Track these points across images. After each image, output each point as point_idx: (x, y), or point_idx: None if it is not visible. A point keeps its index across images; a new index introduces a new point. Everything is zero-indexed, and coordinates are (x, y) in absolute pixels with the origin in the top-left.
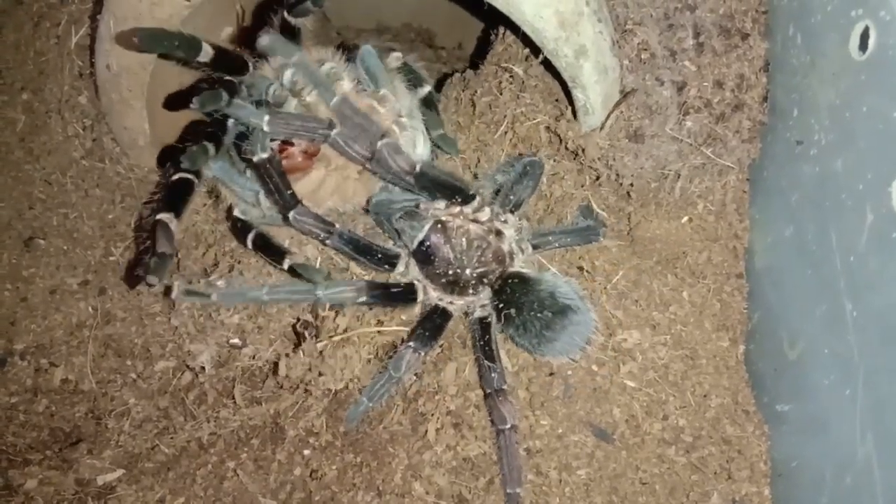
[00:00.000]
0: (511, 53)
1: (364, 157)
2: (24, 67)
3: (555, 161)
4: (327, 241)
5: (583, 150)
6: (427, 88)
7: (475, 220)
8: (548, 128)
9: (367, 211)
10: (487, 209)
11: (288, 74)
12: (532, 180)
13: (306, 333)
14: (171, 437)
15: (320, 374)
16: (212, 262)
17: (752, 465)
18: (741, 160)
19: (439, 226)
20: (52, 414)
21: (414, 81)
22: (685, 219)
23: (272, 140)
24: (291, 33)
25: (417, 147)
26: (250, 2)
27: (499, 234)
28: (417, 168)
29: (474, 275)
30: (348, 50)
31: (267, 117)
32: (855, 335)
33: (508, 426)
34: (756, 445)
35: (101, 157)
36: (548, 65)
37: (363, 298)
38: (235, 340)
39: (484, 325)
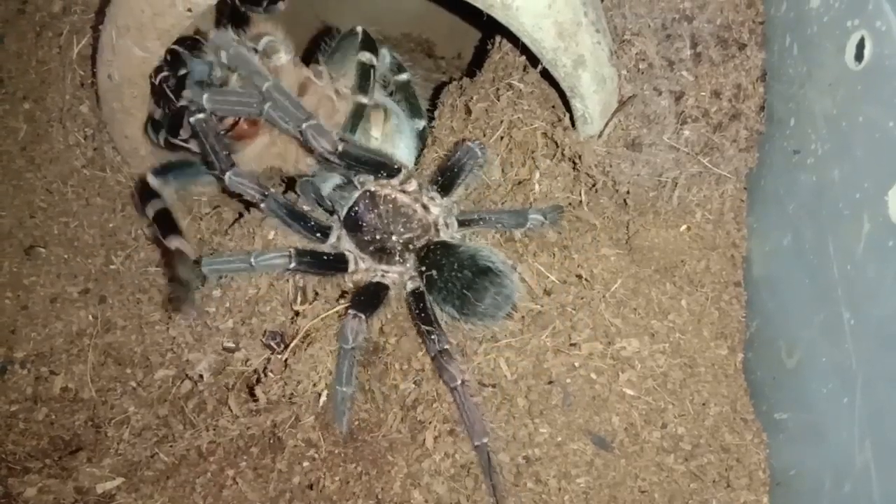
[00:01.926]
0: (508, 62)
1: (296, 130)
2: (26, 77)
3: (550, 161)
4: (262, 205)
5: (580, 157)
6: (363, 98)
7: (403, 191)
8: (545, 133)
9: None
10: (414, 182)
11: (224, 55)
12: (465, 165)
13: (273, 344)
14: (171, 446)
15: (298, 383)
16: None
17: (751, 474)
18: (738, 169)
19: (368, 194)
20: (51, 422)
21: (362, 86)
22: (683, 227)
23: (217, 116)
24: (241, 18)
25: (376, 127)
26: None
27: (425, 207)
28: (339, 147)
29: (400, 241)
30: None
31: (206, 95)
32: (853, 343)
33: (459, 382)
34: (755, 453)
35: (102, 166)
36: (546, 74)
37: (293, 265)
38: (229, 344)
39: (417, 295)
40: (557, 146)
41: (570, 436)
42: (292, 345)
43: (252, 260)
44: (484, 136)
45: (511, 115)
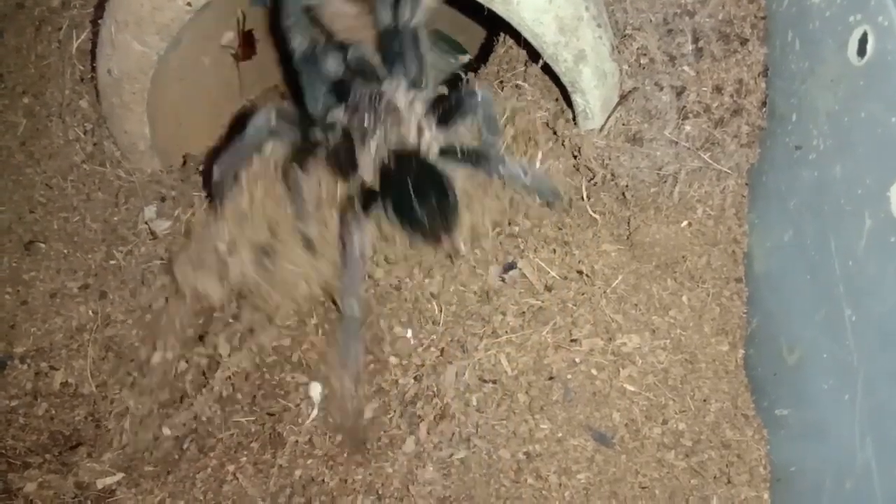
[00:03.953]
0: (512, 56)
1: None
2: (26, 71)
3: (553, 143)
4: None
5: (579, 149)
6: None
7: (410, 104)
8: (546, 123)
9: None
10: (422, 105)
11: None
12: (462, 100)
13: None
14: (171, 441)
15: None
16: None
17: (752, 470)
18: (740, 165)
19: (377, 91)
20: (51, 417)
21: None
22: (684, 223)
23: None
24: None
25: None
26: (250, 8)
27: (420, 128)
28: (413, 21)
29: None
30: None
31: None
32: (854, 340)
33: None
34: (755, 450)
35: (101, 161)
36: (547, 68)
37: (273, 122)
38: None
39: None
40: (558, 137)
41: (570, 432)
42: None
43: (245, 136)
44: None
45: (514, 103)
